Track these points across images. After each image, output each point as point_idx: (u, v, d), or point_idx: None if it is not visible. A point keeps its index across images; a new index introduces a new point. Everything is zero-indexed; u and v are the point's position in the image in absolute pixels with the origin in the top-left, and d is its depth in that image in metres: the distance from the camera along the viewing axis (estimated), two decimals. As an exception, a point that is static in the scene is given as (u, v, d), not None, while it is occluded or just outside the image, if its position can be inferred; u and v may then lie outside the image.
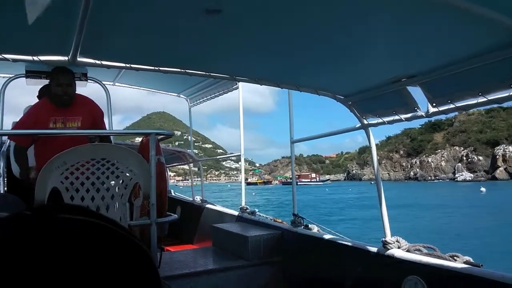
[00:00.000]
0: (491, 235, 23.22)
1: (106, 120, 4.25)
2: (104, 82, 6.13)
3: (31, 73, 5.11)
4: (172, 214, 3.67)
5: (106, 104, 5.93)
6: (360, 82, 3.26)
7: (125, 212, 3.18)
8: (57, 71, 3.65)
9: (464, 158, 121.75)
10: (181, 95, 7.79)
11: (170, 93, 7.88)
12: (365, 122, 3.58)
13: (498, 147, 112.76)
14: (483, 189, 66.21)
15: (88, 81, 5.55)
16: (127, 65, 3.08)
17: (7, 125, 5.25)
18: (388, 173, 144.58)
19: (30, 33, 2.49)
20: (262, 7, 2.14)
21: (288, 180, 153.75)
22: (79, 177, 2.93)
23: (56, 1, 2.09)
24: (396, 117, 3.18)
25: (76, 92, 3.86)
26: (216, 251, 5.44)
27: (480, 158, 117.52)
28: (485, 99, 2.37)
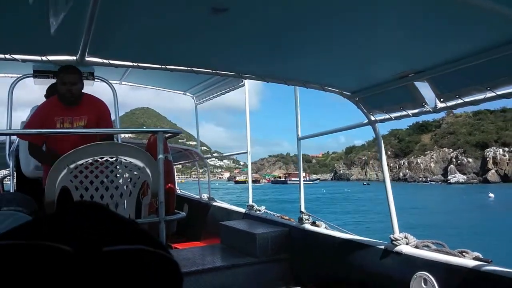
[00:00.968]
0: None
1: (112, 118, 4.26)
2: (110, 81, 6.16)
3: (39, 73, 5.13)
4: (180, 211, 3.68)
5: (113, 102, 5.95)
6: (367, 78, 3.25)
7: (134, 210, 3.19)
8: (62, 70, 3.65)
9: (454, 160, 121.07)
10: (187, 93, 7.80)
11: (176, 91, 7.89)
12: (372, 118, 3.57)
13: (488, 149, 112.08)
14: (491, 195, 59.34)
15: (95, 80, 5.57)
16: (135, 64, 3.09)
17: (16, 125, 5.28)
18: (376, 174, 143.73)
19: (39, 33, 2.50)
20: (268, 4, 2.14)
21: (278, 179, 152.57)
22: (88, 175, 2.95)
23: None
24: (404, 113, 3.17)
25: (83, 91, 3.87)
26: (223, 249, 5.45)
27: (470, 160, 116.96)
28: (494, 94, 2.35)
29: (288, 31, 2.48)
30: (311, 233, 4.48)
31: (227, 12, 2.15)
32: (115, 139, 5.27)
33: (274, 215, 5.52)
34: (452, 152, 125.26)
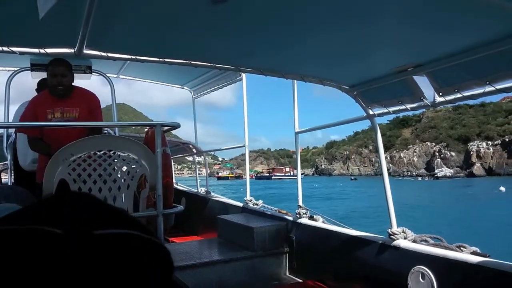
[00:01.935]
0: None
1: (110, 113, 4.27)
2: (108, 75, 6.13)
3: (36, 66, 5.11)
4: (178, 205, 3.68)
5: (111, 96, 5.93)
6: (365, 72, 3.25)
7: (132, 203, 3.19)
8: (51, 63, 3.66)
9: (437, 153, 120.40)
10: (184, 87, 7.78)
11: (173, 85, 7.87)
12: (371, 112, 3.57)
13: (472, 143, 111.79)
14: (502, 188, 53.75)
15: (93, 73, 5.55)
16: (133, 56, 3.08)
17: (15, 119, 5.26)
18: (358, 168, 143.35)
19: (37, 26, 2.48)
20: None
21: (261, 175, 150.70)
22: (86, 168, 2.94)
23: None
24: (402, 107, 3.18)
25: (74, 83, 3.86)
26: (221, 243, 5.46)
27: (453, 154, 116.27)
28: (493, 88, 2.35)
29: (287, 24, 2.47)
30: (309, 227, 4.49)
31: (226, 4, 2.14)
32: (112, 132, 5.26)
33: (271, 209, 5.53)
34: (435, 146, 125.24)
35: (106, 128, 4.90)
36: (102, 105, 4.02)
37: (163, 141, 3.40)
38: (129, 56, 3.08)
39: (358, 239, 3.74)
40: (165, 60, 3.15)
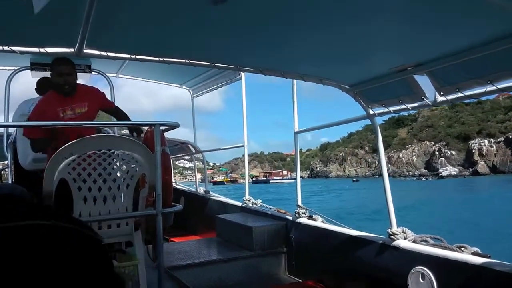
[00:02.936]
0: None
1: None
2: (107, 74, 6.13)
3: (36, 66, 5.11)
4: (177, 204, 3.67)
5: (110, 95, 5.92)
6: (366, 71, 3.24)
7: (131, 202, 3.18)
8: (57, 62, 3.69)
9: (437, 153, 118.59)
10: (183, 86, 7.78)
11: (172, 84, 7.87)
12: (371, 111, 3.57)
13: (473, 141, 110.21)
14: None
15: (92, 73, 5.55)
16: (132, 56, 3.08)
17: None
18: (354, 170, 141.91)
19: (37, 25, 2.48)
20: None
21: (258, 178, 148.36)
22: (86, 167, 2.94)
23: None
24: (403, 106, 3.17)
25: (77, 82, 3.89)
26: (220, 242, 5.45)
27: (453, 152, 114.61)
28: (494, 88, 2.35)
29: (286, 23, 2.47)
30: (308, 227, 4.48)
31: (225, 3, 2.13)
32: (112, 132, 5.26)
33: (270, 208, 5.52)
34: (434, 145, 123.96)
35: (105, 128, 4.89)
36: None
37: (162, 141, 3.40)
38: (128, 56, 3.08)
39: (358, 239, 3.73)
40: (164, 59, 3.14)
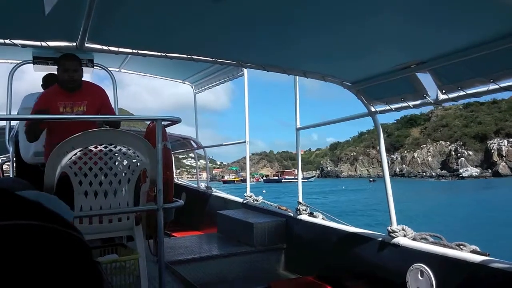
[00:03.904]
0: None
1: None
2: (110, 69, 6.14)
3: (38, 59, 5.12)
4: (178, 200, 3.68)
5: (112, 90, 5.93)
6: (368, 69, 3.23)
7: (132, 197, 3.19)
8: (63, 57, 3.73)
9: (453, 153, 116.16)
10: (186, 82, 7.78)
11: (175, 80, 7.87)
12: (372, 109, 3.56)
13: (492, 141, 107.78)
14: None
15: (94, 67, 5.55)
16: (134, 51, 3.07)
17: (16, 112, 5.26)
18: (366, 170, 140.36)
19: (39, 19, 2.48)
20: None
21: (270, 178, 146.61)
22: (87, 162, 2.95)
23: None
24: (404, 104, 3.16)
25: (83, 78, 3.91)
26: (221, 238, 5.47)
27: (470, 153, 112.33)
28: (497, 86, 2.34)
29: (288, 19, 2.46)
30: (308, 223, 4.49)
31: (225, 2, 2.13)
32: None
33: (271, 205, 5.53)
34: (449, 145, 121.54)
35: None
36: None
37: (164, 136, 3.40)
38: (130, 50, 3.08)
39: (358, 236, 3.74)
40: (167, 54, 3.14)
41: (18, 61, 5.55)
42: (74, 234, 0.57)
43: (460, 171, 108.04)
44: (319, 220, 4.44)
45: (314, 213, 4.60)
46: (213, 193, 7.11)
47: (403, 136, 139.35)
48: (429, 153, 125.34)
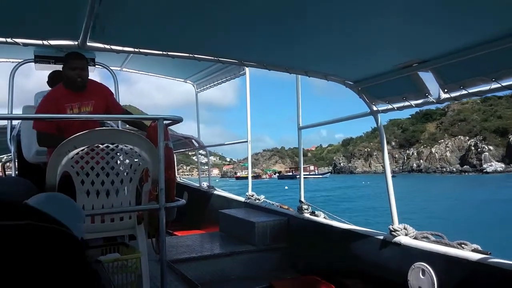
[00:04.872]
0: None
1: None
2: (111, 68, 6.13)
3: (39, 58, 5.11)
4: (180, 199, 3.68)
5: (114, 89, 5.93)
6: (370, 68, 3.23)
7: (134, 196, 3.20)
8: (71, 56, 3.73)
9: (473, 148, 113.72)
10: (187, 81, 7.78)
11: (177, 79, 7.87)
12: (374, 108, 3.56)
13: None
14: None
15: (96, 66, 5.55)
16: (136, 49, 3.07)
17: (18, 110, 5.27)
18: (381, 165, 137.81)
19: (40, 17, 2.48)
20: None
21: (284, 174, 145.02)
22: (89, 161, 2.95)
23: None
24: (406, 103, 3.16)
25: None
26: (222, 237, 5.48)
27: (491, 147, 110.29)
28: (499, 85, 2.34)
29: (290, 18, 2.46)
30: (310, 222, 4.49)
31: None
32: (115, 126, 5.27)
33: (273, 204, 5.54)
34: (468, 140, 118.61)
35: (108, 122, 4.90)
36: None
37: (166, 135, 3.40)
38: (132, 49, 3.08)
39: (359, 235, 3.74)
40: (168, 53, 3.14)
41: (20, 60, 5.54)
42: (61, 228, 0.58)
43: (484, 166, 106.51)
44: (321, 219, 4.45)
45: (316, 212, 4.61)
46: (215, 192, 7.12)
47: (419, 131, 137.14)
48: (447, 148, 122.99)
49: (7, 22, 2.58)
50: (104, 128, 3.69)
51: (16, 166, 4.84)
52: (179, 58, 3.27)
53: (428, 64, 2.75)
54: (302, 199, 4.74)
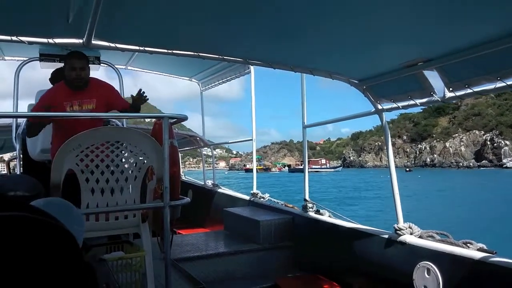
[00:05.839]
0: None
1: None
2: (116, 66, 6.14)
3: (45, 57, 5.13)
4: (184, 197, 3.69)
5: (119, 87, 5.94)
6: (375, 66, 3.22)
7: (139, 194, 3.20)
8: (70, 56, 3.71)
9: (488, 142, 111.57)
10: (192, 79, 7.78)
11: (182, 77, 7.87)
12: (379, 107, 3.55)
13: None
14: None
15: (101, 65, 5.56)
16: (141, 48, 3.08)
17: (23, 108, 5.29)
18: (395, 159, 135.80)
19: (46, 16, 2.49)
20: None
21: (294, 167, 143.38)
22: (94, 159, 2.96)
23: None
24: (411, 102, 3.15)
25: (90, 75, 3.90)
26: (227, 235, 5.48)
27: (507, 142, 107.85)
28: (504, 84, 2.33)
29: (296, 17, 2.45)
30: (315, 221, 4.48)
31: None
32: (120, 124, 5.28)
33: (278, 202, 5.53)
34: (484, 134, 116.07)
35: (114, 120, 4.92)
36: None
37: (171, 134, 3.41)
38: (137, 48, 3.08)
39: (364, 234, 3.73)
40: (174, 51, 3.14)
41: (25, 58, 5.56)
42: (57, 223, 0.58)
43: (504, 161, 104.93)
44: (326, 217, 4.44)
45: (321, 211, 4.60)
46: (219, 190, 7.12)
47: (431, 126, 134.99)
48: (462, 143, 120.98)
49: (13, 21, 2.59)
50: (109, 126, 3.69)
51: (21, 164, 4.86)
52: (184, 56, 3.27)
53: (433, 63, 2.74)
54: (307, 198, 4.73)
